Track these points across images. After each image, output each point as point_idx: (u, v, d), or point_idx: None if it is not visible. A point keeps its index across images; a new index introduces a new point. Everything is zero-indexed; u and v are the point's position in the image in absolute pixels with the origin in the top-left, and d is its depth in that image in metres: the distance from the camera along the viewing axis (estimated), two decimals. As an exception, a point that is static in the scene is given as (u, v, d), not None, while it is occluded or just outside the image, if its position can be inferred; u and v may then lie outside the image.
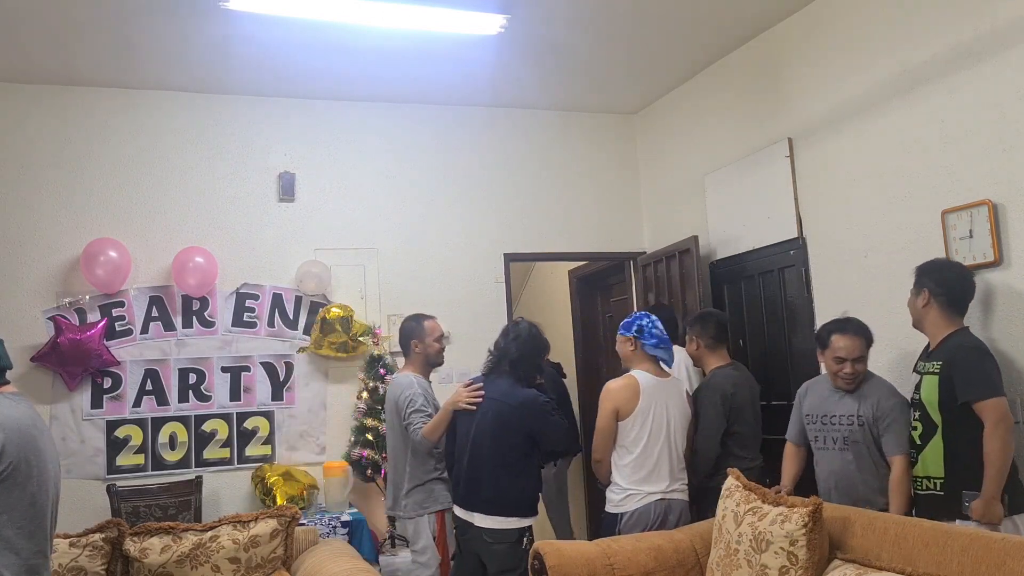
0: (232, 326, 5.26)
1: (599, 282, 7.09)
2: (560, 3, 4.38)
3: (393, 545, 5.16)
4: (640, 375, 3.82)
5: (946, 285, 3.32)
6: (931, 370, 3.29)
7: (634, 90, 5.82)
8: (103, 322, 4.96)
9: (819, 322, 4.49)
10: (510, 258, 5.91)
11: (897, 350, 3.99)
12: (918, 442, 3.35)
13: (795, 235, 4.65)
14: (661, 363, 3.91)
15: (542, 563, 3.43)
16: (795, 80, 4.66)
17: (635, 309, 6.21)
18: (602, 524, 3.90)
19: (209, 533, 3.41)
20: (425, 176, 5.77)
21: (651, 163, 6.19)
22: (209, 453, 5.13)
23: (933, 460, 3.27)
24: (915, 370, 3.47)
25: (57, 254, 4.99)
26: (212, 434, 5.14)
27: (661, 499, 3.76)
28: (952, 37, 3.69)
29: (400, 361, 5.48)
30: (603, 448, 3.83)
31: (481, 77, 5.39)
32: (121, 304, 5.06)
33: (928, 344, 3.43)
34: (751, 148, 5.01)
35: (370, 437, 5.11)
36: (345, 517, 4.75)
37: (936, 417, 3.26)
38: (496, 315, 5.78)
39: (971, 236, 3.57)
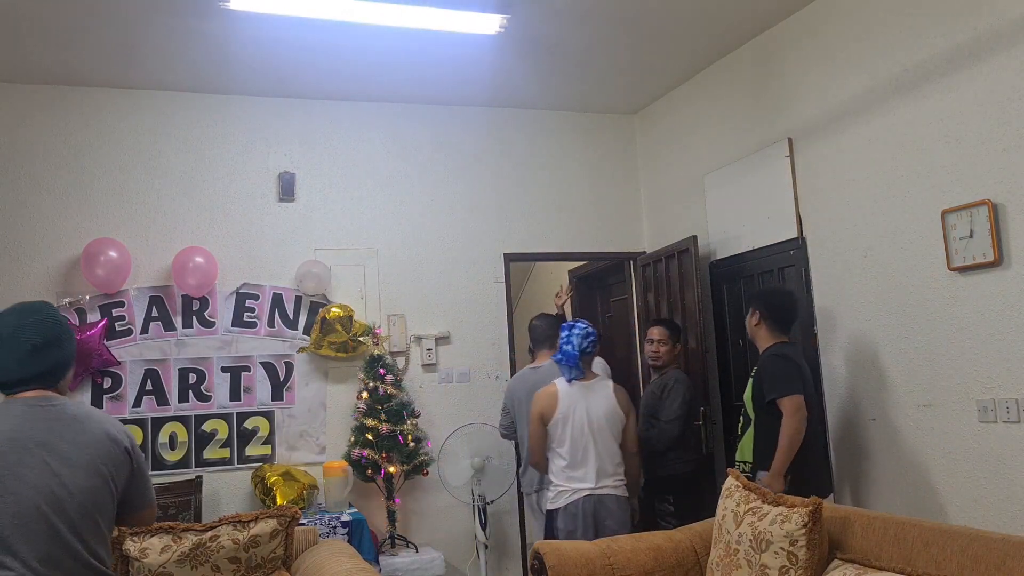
0: (232, 326, 5.26)
1: (599, 282, 7.10)
2: (559, 2, 4.37)
3: (393, 545, 5.17)
4: (560, 382, 4.24)
5: (772, 308, 4.08)
6: (752, 374, 4.08)
7: (634, 90, 5.82)
8: (103, 322, 4.96)
9: (820, 322, 4.51)
10: (510, 258, 5.91)
11: (896, 350, 4.00)
12: (738, 433, 4.19)
13: (795, 235, 4.65)
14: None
15: (541, 563, 3.43)
16: (795, 79, 4.66)
17: (635, 310, 6.22)
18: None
19: (209, 533, 3.40)
20: (425, 176, 5.77)
21: (651, 163, 6.19)
22: (209, 453, 5.13)
23: (746, 447, 4.06)
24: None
25: (57, 254, 4.99)
26: (212, 434, 5.14)
27: (589, 495, 4.09)
28: (952, 37, 3.69)
29: (400, 361, 5.51)
30: (535, 451, 4.28)
31: (480, 77, 5.39)
32: (121, 304, 5.06)
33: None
34: (751, 148, 5.01)
35: (370, 437, 5.10)
36: (345, 517, 4.75)
37: (751, 412, 4.03)
38: (496, 315, 5.79)
39: (971, 236, 3.57)
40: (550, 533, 4.16)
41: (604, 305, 7.10)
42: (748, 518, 3.24)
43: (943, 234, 3.69)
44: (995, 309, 3.50)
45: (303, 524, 4.57)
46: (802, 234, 4.62)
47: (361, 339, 5.29)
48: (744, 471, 4.00)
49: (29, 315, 2.33)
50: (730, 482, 3.54)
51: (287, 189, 5.42)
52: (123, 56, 4.75)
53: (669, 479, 4.74)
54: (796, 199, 4.65)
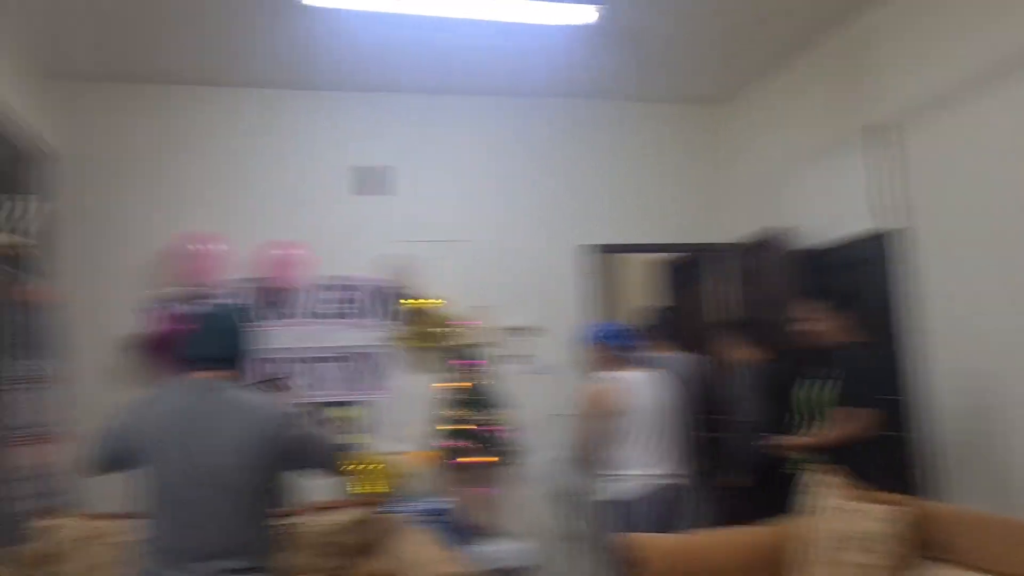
0: (317, 317, 5.39)
1: (683, 273, 6.98)
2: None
3: (484, 534, 5.22)
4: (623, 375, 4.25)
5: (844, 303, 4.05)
6: (823, 375, 3.99)
7: (722, 79, 5.74)
8: (200, 311, 5.14)
9: (924, 318, 4.33)
10: (594, 249, 5.90)
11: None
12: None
13: (886, 227, 4.50)
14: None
15: (635, 555, 3.41)
16: (889, 64, 4.51)
17: (718, 300, 6.11)
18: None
19: (298, 518, 3.51)
20: (510, 168, 5.82)
21: (739, 152, 6.08)
22: (303, 442, 5.27)
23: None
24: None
25: (154, 246, 5.17)
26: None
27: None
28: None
29: (490, 352, 5.55)
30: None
31: (570, 68, 5.39)
32: (212, 296, 5.23)
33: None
34: (841, 136, 4.88)
35: (456, 427, 5.17)
36: (434, 506, 4.83)
37: (821, 414, 3.94)
38: (580, 306, 5.78)
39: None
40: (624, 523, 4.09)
41: (689, 296, 6.98)
42: (836, 515, 3.18)
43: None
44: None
45: (390, 512, 4.68)
46: (898, 225, 4.46)
47: (446, 330, 5.37)
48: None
49: (224, 309, 2.94)
50: (818, 477, 3.47)
51: (373, 182, 5.54)
52: (210, 55, 4.94)
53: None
54: (891, 188, 4.50)
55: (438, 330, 5.35)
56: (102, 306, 5.05)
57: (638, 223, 6.02)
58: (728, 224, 6.11)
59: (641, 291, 7.44)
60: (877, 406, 3.76)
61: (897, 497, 2.99)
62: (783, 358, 5.20)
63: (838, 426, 3.76)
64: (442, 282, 5.58)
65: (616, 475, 4.15)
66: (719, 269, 6.11)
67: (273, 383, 2.84)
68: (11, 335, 4.21)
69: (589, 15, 4.49)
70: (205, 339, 2.56)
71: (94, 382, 4.90)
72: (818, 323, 4.32)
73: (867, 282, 4.69)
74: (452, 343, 5.41)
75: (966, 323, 4.08)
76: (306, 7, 4.30)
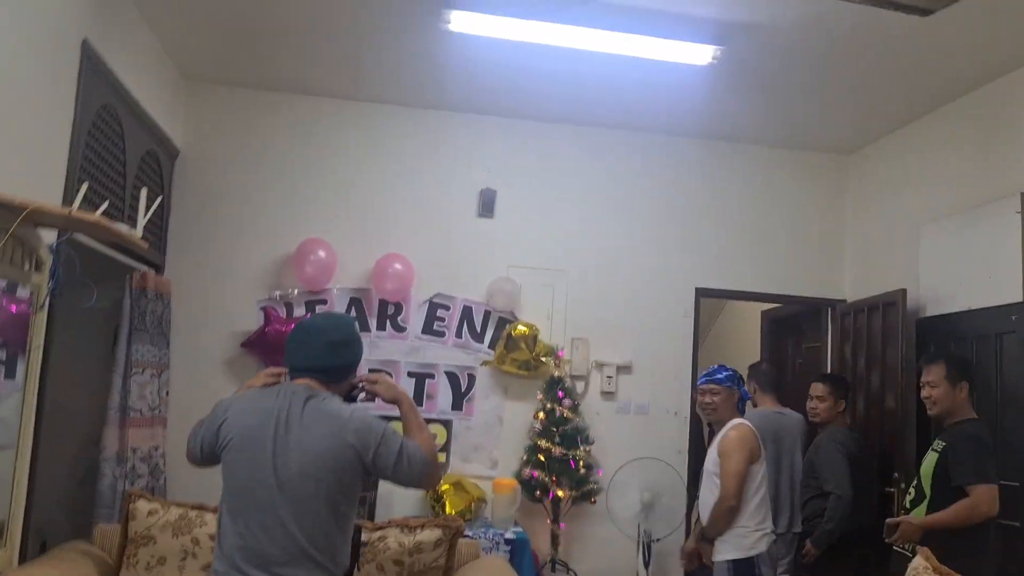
0: (422, 333, 5.43)
1: (793, 327, 6.79)
2: (777, 35, 4.24)
3: (553, 569, 5.15)
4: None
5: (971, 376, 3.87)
6: (936, 448, 3.77)
7: (849, 130, 5.55)
8: (307, 316, 5.26)
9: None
10: (701, 293, 5.77)
11: None
12: (906, 506, 3.86)
13: (1020, 299, 4.25)
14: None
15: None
16: (1034, 130, 4.28)
17: (829, 358, 5.89)
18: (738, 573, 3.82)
19: (378, 533, 3.51)
20: (622, 202, 5.75)
21: (861, 208, 5.86)
22: (388, 453, 5.31)
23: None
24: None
25: (273, 250, 5.33)
26: (392, 435, 5.32)
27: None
28: None
29: (580, 386, 5.49)
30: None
31: (689, 107, 5.31)
32: (324, 302, 5.35)
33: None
34: (976, 201, 4.63)
35: (542, 458, 5.12)
36: (509, 535, 4.78)
37: (927, 489, 3.72)
38: (682, 349, 5.67)
39: None
40: None
41: (796, 350, 6.78)
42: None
43: None
44: None
45: (467, 536, 4.65)
46: (1030, 298, 4.21)
47: (543, 359, 5.33)
48: (905, 549, 3.71)
49: (333, 319, 2.95)
50: (918, 562, 3.26)
51: (487, 205, 5.55)
52: (349, 69, 5.04)
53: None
54: (1024, 260, 4.25)
55: (533, 358, 5.30)
56: (218, 301, 5.24)
57: (751, 270, 5.86)
58: (849, 281, 5.89)
59: (749, 342, 7.27)
60: (992, 482, 3.58)
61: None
62: (885, 424, 4.99)
63: (953, 507, 3.56)
64: (542, 310, 5.56)
65: (748, 528, 3.85)
66: (832, 326, 5.90)
67: (358, 390, 2.79)
68: (132, 322, 4.39)
69: (707, 56, 4.41)
70: (308, 346, 2.56)
71: (205, 373, 5.08)
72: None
73: (998, 355, 4.43)
74: (546, 372, 5.35)
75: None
76: (453, 33, 4.36)
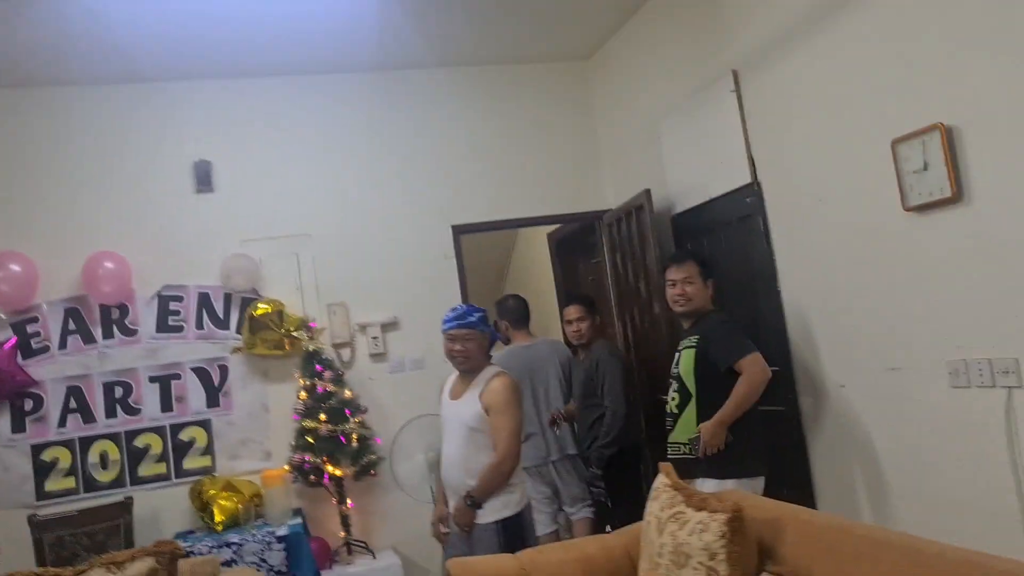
0: (157, 332, 4.88)
1: (579, 244, 6.55)
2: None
3: (350, 552, 4.80)
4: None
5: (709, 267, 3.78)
6: (689, 345, 3.66)
7: (576, 34, 5.25)
8: (12, 341, 4.62)
9: (782, 278, 3.96)
10: (459, 230, 5.42)
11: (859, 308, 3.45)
12: (673, 412, 3.69)
13: (749, 180, 4.08)
14: None
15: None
16: (736, 3, 4.06)
17: (608, 272, 5.68)
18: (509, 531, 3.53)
19: (72, 582, 3.03)
20: (355, 151, 5.29)
21: (609, 113, 5.61)
22: (144, 470, 4.80)
23: (687, 425, 3.59)
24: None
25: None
26: (145, 449, 4.80)
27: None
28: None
29: (346, 353, 5.10)
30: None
31: (408, 36, 4.87)
32: (35, 320, 4.72)
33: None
34: (698, 85, 4.43)
35: (310, 440, 4.71)
36: (282, 531, 4.38)
37: (691, 387, 3.60)
38: (450, 293, 5.30)
39: (926, 168, 2.98)
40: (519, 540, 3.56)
41: (586, 268, 6.57)
42: (670, 526, 2.77)
43: (895, 169, 3.11)
44: (959, 255, 2.93)
45: (234, 544, 4.26)
46: (756, 179, 4.05)
47: (296, 334, 4.88)
48: (685, 452, 3.58)
49: None
50: (659, 481, 3.06)
51: (203, 179, 4.99)
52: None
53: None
54: (747, 139, 4.08)
55: (284, 335, 4.85)
56: None
57: (511, 196, 5.54)
58: (611, 189, 5.66)
59: (548, 268, 7.01)
60: (755, 350, 3.50)
61: (732, 505, 2.58)
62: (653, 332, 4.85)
63: (734, 391, 3.45)
64: (290, 282, 5.10)
65: (514, 484, 3.60)
66: (604, 238, 5.68)
67: None
68: None
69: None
70: None
71: None
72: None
73: (736, 242, 4.29)
74: (304, 348, 4.91)
75: (809, 282, 3.79)
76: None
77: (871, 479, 3.52)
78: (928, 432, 3.16)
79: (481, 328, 3.72)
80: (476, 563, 3.18)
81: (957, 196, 2.87)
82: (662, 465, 3.12)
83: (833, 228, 3.55)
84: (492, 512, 3.56)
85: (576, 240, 6.49)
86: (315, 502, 4.91)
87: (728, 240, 4.35)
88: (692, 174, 4.61)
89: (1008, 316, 2.75)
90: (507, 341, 4.89)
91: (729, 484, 3.40)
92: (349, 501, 4.86)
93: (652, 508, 2.94)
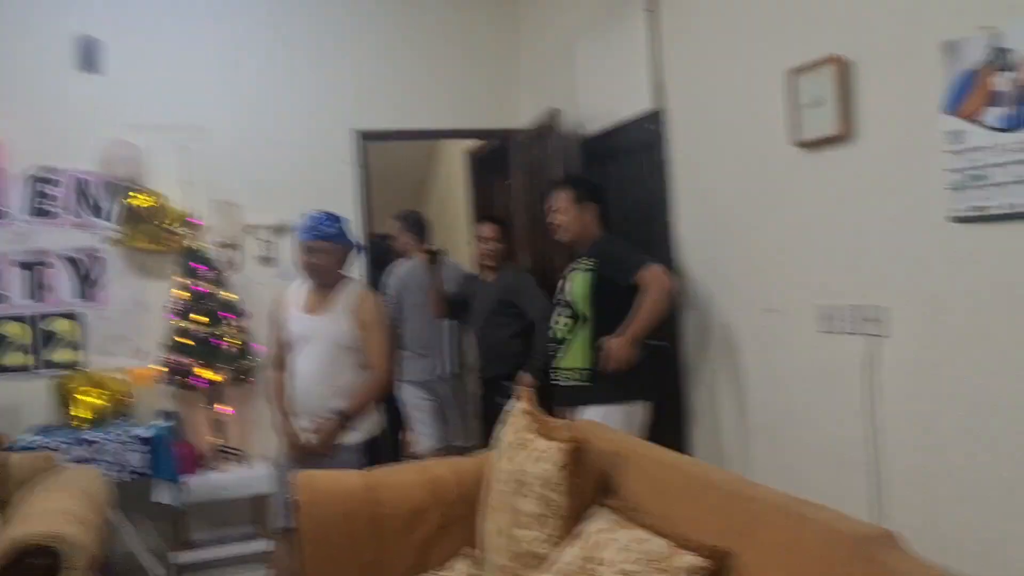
0: (29, 215, 4.59)
1: (494, 163, 6.33)
2: None
3: (222, 459, 4.65)
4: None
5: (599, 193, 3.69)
6: (579, 268, 3.54)
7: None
8: None
9: (676, 211, 3.84)
10: (365, 136, 5.18)
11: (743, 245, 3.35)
12: (558, 339, 3.55)
13: (653, 107, 3.92)
14: None
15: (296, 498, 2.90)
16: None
17: (520, 196, 5.50)
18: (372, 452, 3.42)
19: None
20: (262, 45, 4.97)
21: (531, 29, 5.36)
22: (6, 359, 4.56)
23: (578, 351, 3.47)
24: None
25: None
26: (8, 338, 4.55)
27: None
28: None
29: (233, 255, 4.89)
30: None
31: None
32: None
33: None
34: (614, 5, 4.22)
35: (182, 340, 4.50)
36: (145, 433, 4.20)
37: (585, 311, 3.47)
38: (349, 201, 5.07)
39: (819, 104, 2.85)
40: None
41: (501, 188, 6.36)
42: (515, 452, 2.67)
43: (789, 101, 2.97)
44: (843, 197, 2.83)
45: (90, 442, 4.08)
46: (662, 106, 3.89)
47: (175, 229, 4.63)
48: (579, 381, 3.49)
49: None
50: (515, 405, 2.95)
51: (89, 57, 4.65)
52: None
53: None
54: (655, 63, 3.90)
55: (163, 230, 4.60)
56: None
57: (423, 106, 5.29)
58: (526, 108, 5.42)
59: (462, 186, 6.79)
60: (653, 262, 3.38)
61: (572, 437, 2.47)
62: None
63: (641, 305, 3.31)
64: (178, 175, 4.80)
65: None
66: (516, 159, 5.48)
67: None
68: None
69: None
70: None
71: None
72: (563, 216, 3.74)
73: (636, 170, 4.14)
74: (184, 245, 4.66)
75: (702, 216, 3.67)
76: None
77: (741, 422, 3.47)
78: (795, 377, 3.10)
79: (339, 240, 3.52)
80: (323, 477, 3.06)
81: (847, 134, 2.75)
82: (521, 389, 3.02)
83: (727, 161, 3.44)
84: (361, 432, 3.44)
85: (495, 160, 6.27)
86: (190, 405, 4.73)
87: (630, 168, 4.21)
88: (602, 97, 4.43)
89: (879, 262, 2.67)
90: (403, 255, 4.75)
91: (614, 410, 3.34)
92: (228, 407, 4.69)
93: (503, 433, 2.83)
